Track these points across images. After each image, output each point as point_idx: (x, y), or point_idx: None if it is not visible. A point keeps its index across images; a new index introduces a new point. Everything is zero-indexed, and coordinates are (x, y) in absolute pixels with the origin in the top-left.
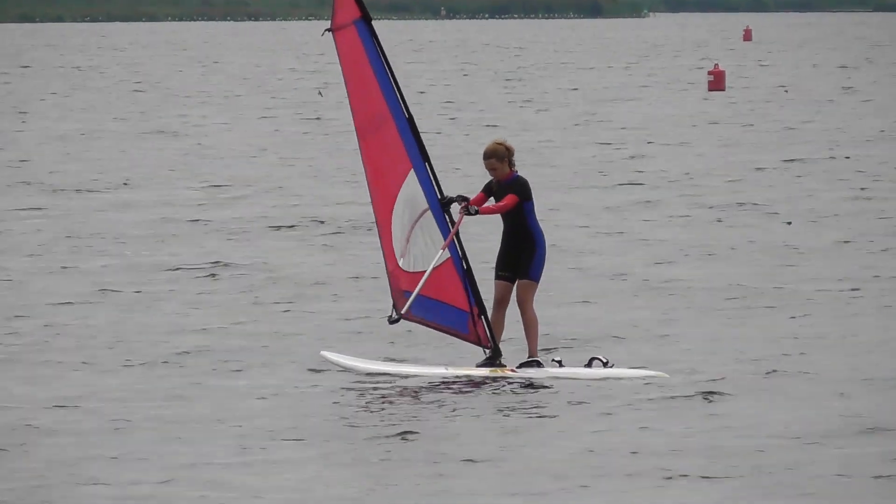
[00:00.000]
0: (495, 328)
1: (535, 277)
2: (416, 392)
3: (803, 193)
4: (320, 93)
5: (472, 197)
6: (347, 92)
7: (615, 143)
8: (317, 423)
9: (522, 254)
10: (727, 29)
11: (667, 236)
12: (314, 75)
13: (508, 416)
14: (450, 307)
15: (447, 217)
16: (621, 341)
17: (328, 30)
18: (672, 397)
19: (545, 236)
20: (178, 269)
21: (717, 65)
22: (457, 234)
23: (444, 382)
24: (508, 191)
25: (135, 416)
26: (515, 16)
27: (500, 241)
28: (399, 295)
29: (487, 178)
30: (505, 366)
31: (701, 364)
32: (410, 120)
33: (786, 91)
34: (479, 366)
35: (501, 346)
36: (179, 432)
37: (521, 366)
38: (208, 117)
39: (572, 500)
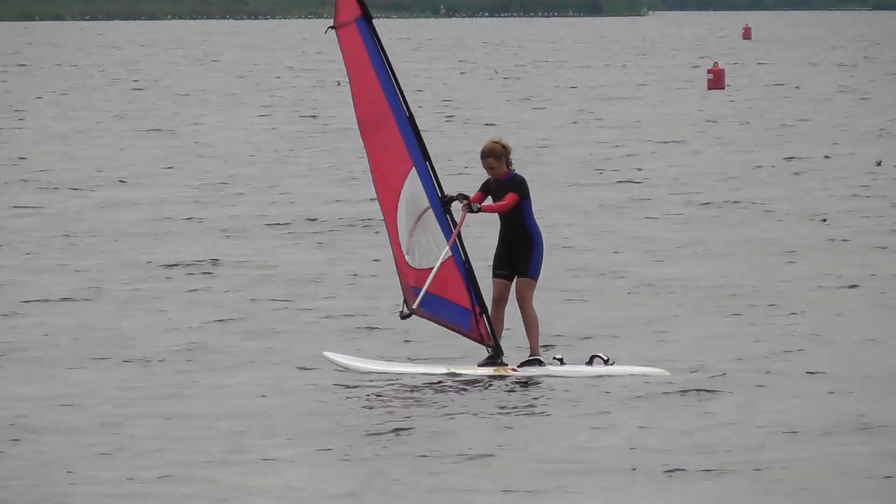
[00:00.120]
0: (495, 327)
1: (534, 275)
2: (417, 392)
3: (802, 192)
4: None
5: (471, 196)
6: (351, 89)
7: (613, 141)
8: (316, 421)
9: (521, 252)
10: (726, 27)
11: (666, 234)
12: (312, 74)
13: (509, 414)
14: (454, 305)
15: (448, 216)
16: (622, 339)
17: (331, 27)
18: (672, 394)
19: (542, 234)
20: (174, 266)
21: (716, 63)
22: (458, 232)
23: (445, 382)
24: (507, 189)
25: (131, 414)
26: (515, 14)
27: (497, 239)
28: (409, 290)
29: (484, 176)
30: (506, 364)
31: (700, 362)
32: (411, 119)
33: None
34: (480, 365)
35: (502, 345)
36: (176, 430)
37: (523, 364)
38: (205, 115)
39: (573, 498)
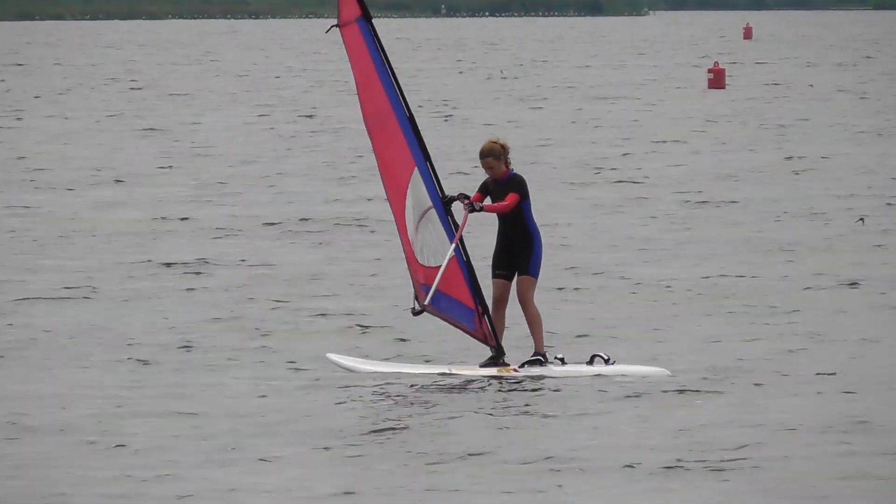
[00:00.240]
0: (496, 327)
1: (535, 274)
2: (417, 392)
3: (802, 192)
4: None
5: (471, 196)
6: (357, 88)
7: (613, 141)
8: (314, 421)
9: (521, 251)
10: (727, 27)
11: (665, 234)
12: (311, 73)
13: (510, 414)
14: (460, 304)
15: (449, 216)
16: (622, 338)
17: (335, 25)
18: (672, 393)
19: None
20: (171, 266)
21: (716, 63)
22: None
23: (446, 382)
24: (506, 189)
25: (129, 413)
26: (516, 14)
27: (496, 239)
28: (419, 288)
29: (482, 176)
30: (508, 364)
31: (700, 361)
32: (411, 118)
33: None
34: (482, 366)
35: (503, 345)
36: (174, 430)
37: (524, 364)
38: (203, 115)
39: (573, 497)
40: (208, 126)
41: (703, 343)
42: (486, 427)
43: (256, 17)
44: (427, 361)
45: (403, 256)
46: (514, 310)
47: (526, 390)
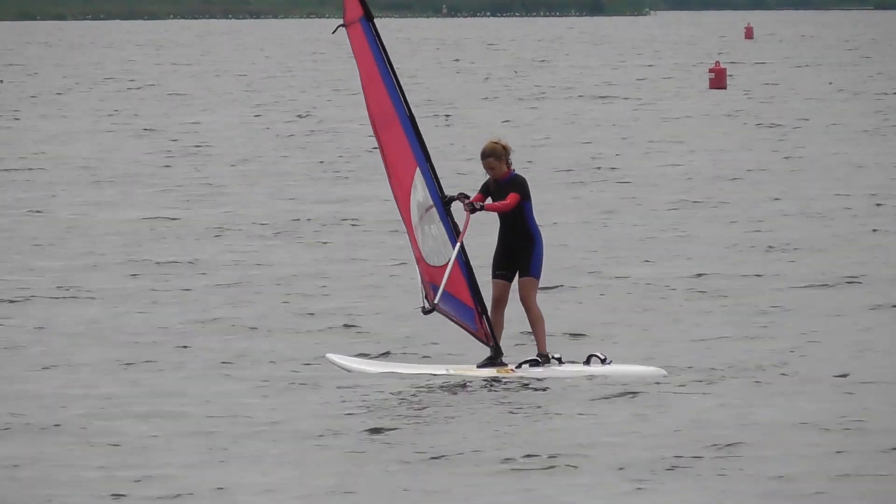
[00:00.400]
0: (495, 327)
1: (536, 275)
2: (414, 392)
3: (801, 191)
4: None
5: (471, 196)
6: (362, 87)
7: (613, 140)
8: (311, 421)
9: (522, 252)
10: (728, 27)
11: (663, 234)
12: (310, 74)
13: (507, 414)
14: (462, 303)
15: (449, 216)
16: (618, 338)
17: (341, 25)
18: (668, 394)
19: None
20: (166, 265)
21: (717, 62)
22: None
23: (443, 382)
24: (508, 189)
25: (123, 413)
26: (517, 14)
27: (497, 240)
28: (428, 287)
29: (480, 175)
30: (506, 364)
31: (696, 361)
32: (412, 118)
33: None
34: (479, 366)
35: (502, 345)
36: (168, 430)
37: (522, 364)
38: (200, 115)
39: (568, 496)
40: (206, 126)
41: (699, 343)
42: (483, 427)
43: (257, 17)
44: (425, 361)
45: (409, 256)
46: (514, 310)
47: (523, 390)
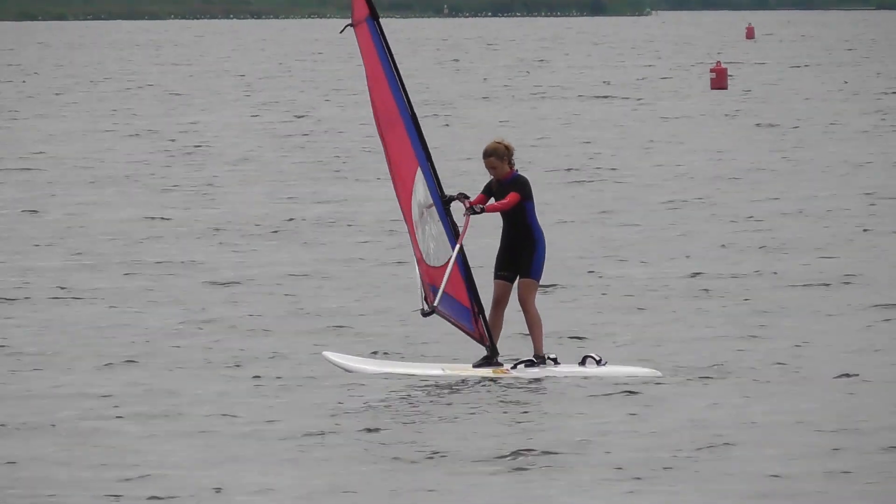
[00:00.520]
0: (493, 327)
1: (537, 276)
2: (410, 392)
3: (800, 191)
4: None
5: (473, 196)
6: (368, 86)
7: (613, 140)
8: (309, 421)
9: (523, 252)
10: (729, 27)
11: (661, 234)
12: (310, 74)
13: (502, 414)
14: (460, 304)
15: (449, 216)
16: (614, 339)
17: (349, 24)
18: (663, 395)
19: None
20: (163, 265)
21: (719, 62)
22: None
23: (438, 382)
24: (509, 189)
25: (117, 414)
26: (518, 14)
27: (500, 240)
28: (428, 289)
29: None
30: (501, 365)
31: (692, 362)
32: (414, 118)
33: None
34: (475, 366)
35: (499, 345)
36: (163, 430)
37: (517, 365)
38: (198, 115)
39: (563, 497)
40: (204, 126)
41: (696, 343)
42: (479, 427)
43: (258, 17)
44: (421, 360)
45: (407, 256)
46: (512, 310)
47: (518, 391)
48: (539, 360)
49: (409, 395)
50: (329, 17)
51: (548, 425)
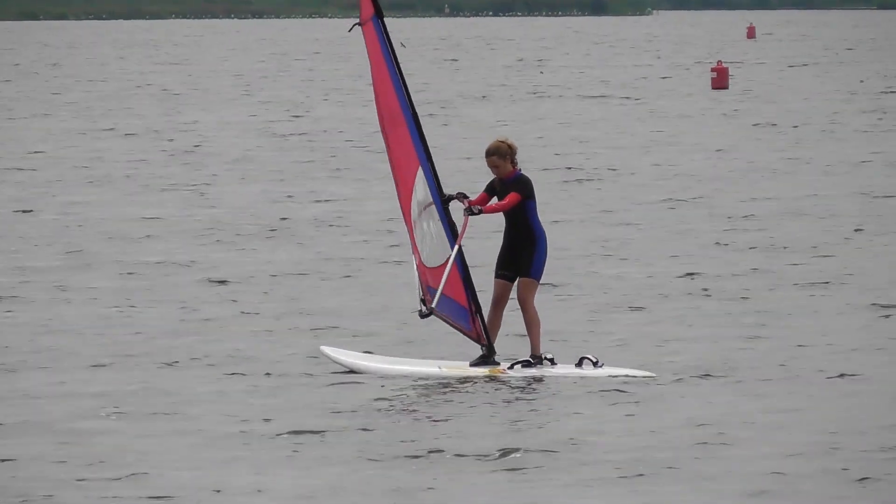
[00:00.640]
0: (492, 327)
1: (536, 276)
2: (406, 391)
3: (799, 191)
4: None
5: (473, 196)
6: (373, 85)
7: (614, 140)
8: (305, 421)
9: (524, 252)
10: (730, 26)
11: (659, 234)
12: (309, 74)
13: (498, 414)
14: (457, 304)
15: (448, 215)
16: (610, 341)
17: (357, 23)
18: (660, 396)
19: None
20: (159, 265)
21: (720, 62)
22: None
23: (435, 382)
24: (510, 189)
25: (112, 413)
26: (519, 13)
27: (502, 239)
28: (426, 290)
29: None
30: (498, 364)
31: (688, 363)
32: (415, 117)
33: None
34: (472, 365)
35: (498, 345)
36: (164, 429)
37: (514, 365)
38: (195, 114)
39: (559, 497)
40: (202, 125)
41: (693, 343)
42: (474, 426)
43: (259, 17)
44: (419, 360)
45: (404, 254)
46: (512, 310)
47: (515, 390)
48: (536, 359)
49: (405, 395)
50: (330, 17)
51: (545, 425)
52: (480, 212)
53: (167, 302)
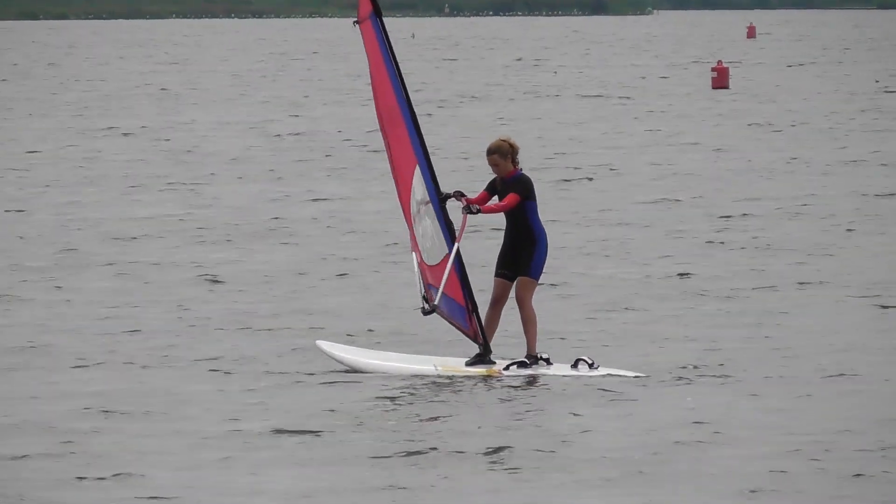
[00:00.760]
0: (490, 326)
1: (535, 275)
2: (401, 390)
3: (798, 191)
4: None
5: (471, 195)
6: (371, 84)
7: (613, 140)
8: (302, 421)
9: (523, 252)
10: (731, 26)
11: (657, 234)
12: (308, 73)
13: (493, 414)
14: (455, 302)
15: (445, 213)
16: (606, 342)
17: (356, 21)
18: (656, 397)
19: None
20: (159, 264)
21: (720, 61)
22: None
23: (430, 381)
24: (511, 189)
25: (109, 414)
26: (519, 13)
27: (503, 239)
28: (428, 288)
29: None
30: (494, 363)
31: (683, 364)
32: (413, 115)
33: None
34: (468, 364)
35: (497, 344)
36: (161, 429)
37: (510, 366)
38: (193, 115)
39: (554, 497)
40: (199, 125)
41: (690, 343)
42: (469, 426)
43: (259, 17)
44: (415, 359)
45: (402, 253)
46: (510, 311)
47: (511, 390)
48: (532, 359)
49: (402, 395)
50: (330, 17)
51: (542, 424)
52: (479, 211)
53: (165, 301)
